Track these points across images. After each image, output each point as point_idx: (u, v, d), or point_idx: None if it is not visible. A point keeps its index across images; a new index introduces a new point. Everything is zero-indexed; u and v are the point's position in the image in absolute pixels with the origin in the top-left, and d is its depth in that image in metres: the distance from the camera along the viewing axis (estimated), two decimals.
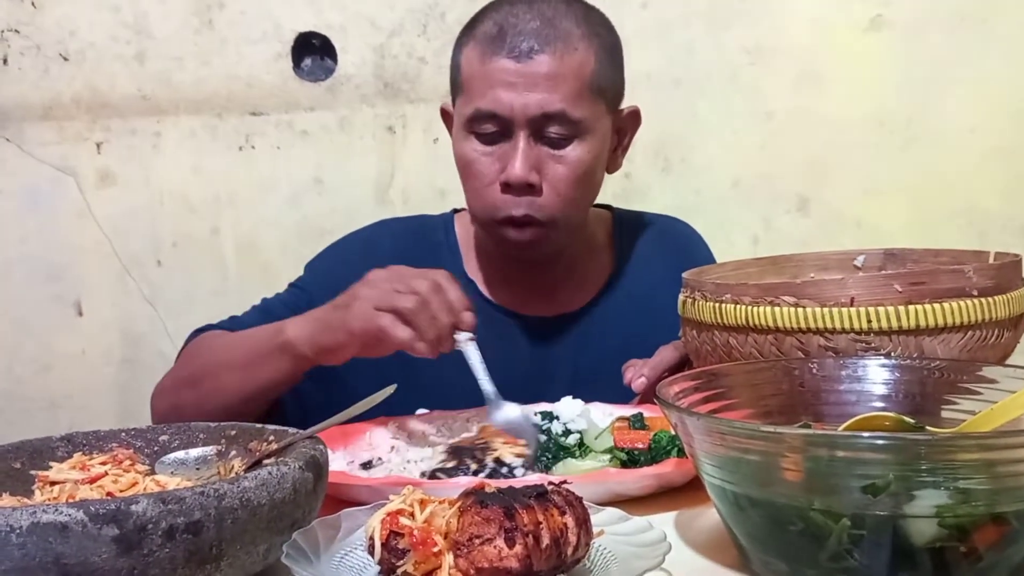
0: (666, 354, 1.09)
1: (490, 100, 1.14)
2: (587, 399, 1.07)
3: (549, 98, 1.13)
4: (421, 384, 1.14)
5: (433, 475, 0.90)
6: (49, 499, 0.73)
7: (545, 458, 0.95)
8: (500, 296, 1.29)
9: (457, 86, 1.20)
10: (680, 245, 1.38)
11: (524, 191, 1.16)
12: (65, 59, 1.89)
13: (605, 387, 1.11)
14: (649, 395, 1.06)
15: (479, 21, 1.18)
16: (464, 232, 1.34)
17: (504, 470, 0.90)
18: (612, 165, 1.25)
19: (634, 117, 1.27)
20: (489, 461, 0.91)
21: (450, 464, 0.91)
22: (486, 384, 1.01)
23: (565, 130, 1.15)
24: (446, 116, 1.28)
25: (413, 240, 1.33)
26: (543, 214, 1.17)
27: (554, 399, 1.07)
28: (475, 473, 0.89)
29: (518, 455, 0.93)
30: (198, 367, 1.18)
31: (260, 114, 1.93)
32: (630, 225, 1.37)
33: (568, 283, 1.30)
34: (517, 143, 1.14)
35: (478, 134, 1.17)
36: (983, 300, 0.86)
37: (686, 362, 1.08)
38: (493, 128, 1.15)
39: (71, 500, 0.70)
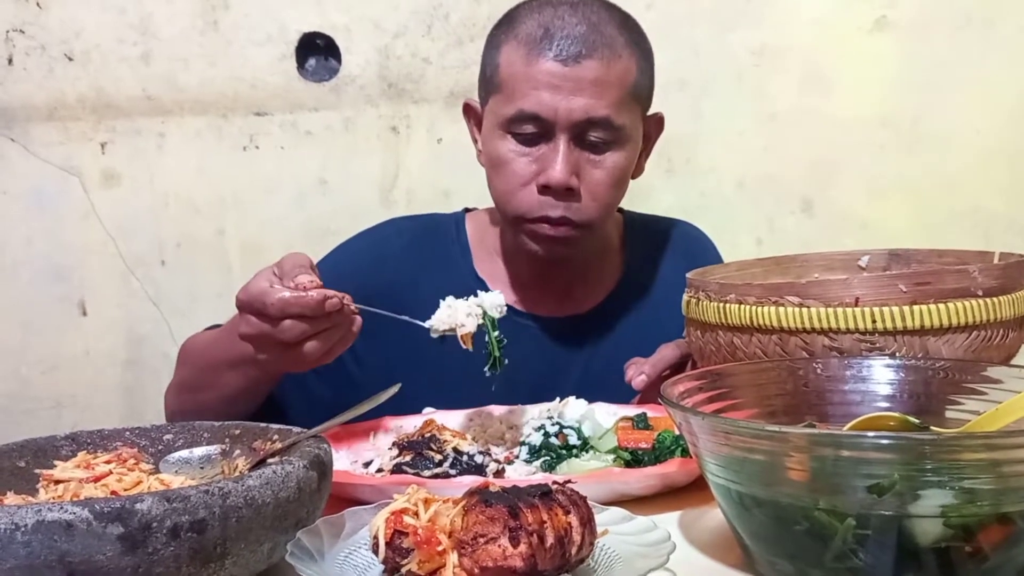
0: (667, 352, 1.10)
1: (534, 102, 1.13)
2: (596, 400, 1.07)
3: (595, 104, 1.12)
4: (427, 382, 1.14)
5: (398, 470, 0.91)
6: (54, 497, 0.73)
7: (550, 458, 0.95)
8: (511, 296, 1.29)
9: (494, 85, 1.18)
10: (690, 248, 1.38)
11: (563, 195, 1.15)
12: (70, 59, 1.89)
13: (614, 388, 1.11)
14: (650, 393, 1.06)
15: (518, 21, 1.17)
16: (475, 231, 1.33)
17: (465, 459, 0.91)
18: (636, 170, 1.25)
19: (659, 123, 1.27)
20: (450, 451, 0.92)
21: (408, 458, 0.92)
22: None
23: (606, 136, 1.15)
24: (470, 111, 1.27)
25: (423, 239, 1.33)
26: (580, 217, 1.17)
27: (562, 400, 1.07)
28: (439, 464, 0.91)
29: (470, 444, 0.95)
30: (187, 373, 1.18)
31: (264, 114, 1.93)
32: (641, 228, 1.38)
33: (580, 284, 1.30)
34: (558, 146, 1.14)
35: (516, 134, 1.16)
36: (988, 300, 0.86)
37: (687, 360, 1.08)
38: (533, 129, 1.15)
39: (76, 499, 0.70)
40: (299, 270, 0.92)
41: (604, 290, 1.31)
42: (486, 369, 1.02)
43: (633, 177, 1.24)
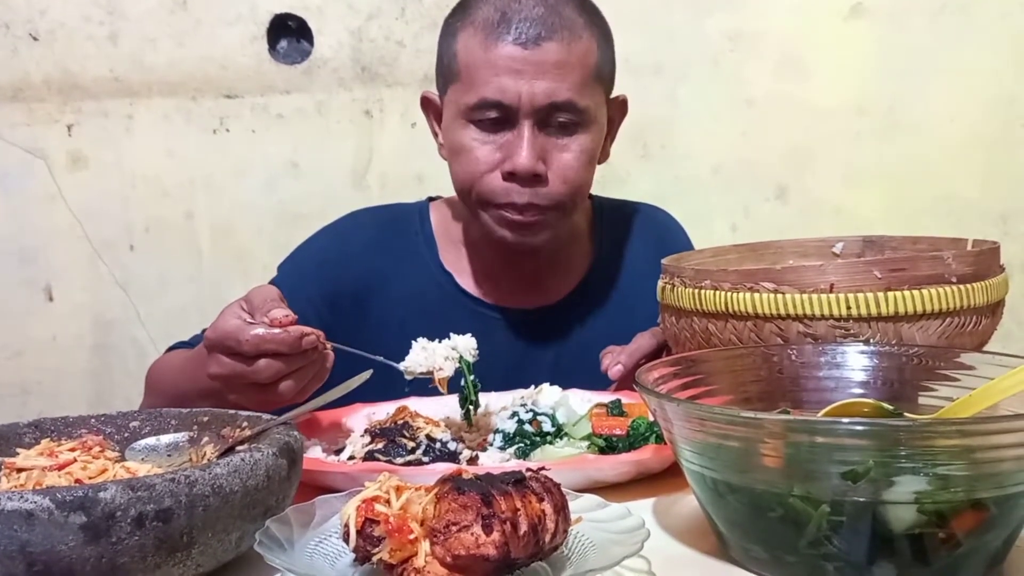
0: (643, 341, 1.09)
1: (495, 88, 1.11)
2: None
3: (557, 87, 1.11)
4: (401, 378, 1.12)
5: (370, 457, 0.90)
6: (16, 486, 0.72)
7: (524, 445, 0.94)
8: (479, 289, 1.28)
9: (452, 73, 1.16)
10: (660, 234, 1.37)
11: (529, 181, 1.13)
12: (35, 39, 1.85)
13: (586, 378, 1.10)
14: (626, 382, 1.05)
15: (474, 7, 1.14)
16: (440, 222, 1.31)
17: (438, 445, 0.90)
18: (602, 155, 1.23)
19: (622, 106, 1.25)
20: (423, 438, 0.90)
21: (380, 445, 0.90)
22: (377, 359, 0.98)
23: (571, 118, 1.13)
24: (428, 105, 1.25)
25: (386, 231, 1.30)
26: (547, 201, 1.15)
27: None
28: (412, 451, 0.89)
29: (443, 431, 0.93)
30: (157, 402, 1.12)
31: (235, 97, 1.90)
32: (610, 213, 1.36)
33: (549, 274, 1.29)
34: (522, 132, 1.12)
35: (478, 123, 1.14)
36: (961, 287, 0.86)
37: (663, 349, 1.08)
38: (496, 116, 1.12)
39: (38, 487, 0.68)
40: (271, 304, 0.89)
41: (574, 279, 1.30)
42: (460, 416, 1.01)
43: (599, 162, 1.22)
